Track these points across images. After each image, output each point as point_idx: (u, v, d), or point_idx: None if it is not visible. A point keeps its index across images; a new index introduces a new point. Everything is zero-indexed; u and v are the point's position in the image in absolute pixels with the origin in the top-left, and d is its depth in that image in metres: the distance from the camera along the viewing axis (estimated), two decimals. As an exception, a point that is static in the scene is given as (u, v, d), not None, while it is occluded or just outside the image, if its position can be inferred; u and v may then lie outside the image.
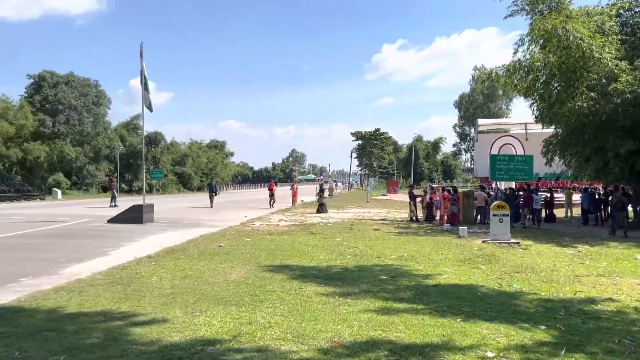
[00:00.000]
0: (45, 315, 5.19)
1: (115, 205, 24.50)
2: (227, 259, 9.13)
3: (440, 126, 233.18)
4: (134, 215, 16.75)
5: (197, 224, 17.33)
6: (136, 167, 56.69)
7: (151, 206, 17.86)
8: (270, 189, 27.69)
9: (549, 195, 20.82)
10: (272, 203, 26.44)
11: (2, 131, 43.62)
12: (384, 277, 7.59)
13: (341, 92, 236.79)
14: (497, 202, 14.36)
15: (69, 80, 54.16)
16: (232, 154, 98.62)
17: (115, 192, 26.32)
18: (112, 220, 16.88)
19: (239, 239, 12.57)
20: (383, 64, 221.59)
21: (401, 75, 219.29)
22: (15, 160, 45.08)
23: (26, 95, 53.32)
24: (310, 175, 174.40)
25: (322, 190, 23.38)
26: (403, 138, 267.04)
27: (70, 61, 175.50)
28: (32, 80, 53.68)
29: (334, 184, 41.43)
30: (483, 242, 12.31)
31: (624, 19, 18.53)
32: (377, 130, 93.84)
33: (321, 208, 22.69)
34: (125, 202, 23.69)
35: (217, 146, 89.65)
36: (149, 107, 17.93)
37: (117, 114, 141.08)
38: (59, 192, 43.58)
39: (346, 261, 9.18)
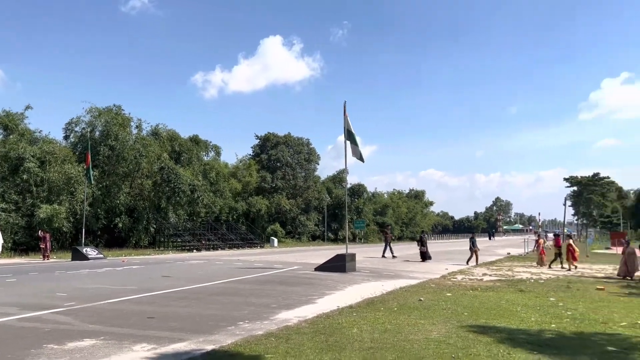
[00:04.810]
0: (255, 360, 5.61)
1: (392, 256, 26.84)
2: (427, 315, 8.81)
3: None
4: (338, 264, 17.51)
5: (397, 275, 17.31)
6: (341, 217, 60.00)
7: (353, 255, 18.48)
8: (558, 246, 22.15)
9: None
10: (563, 263, 21.28)
11: (233, 188, 50.68)
12: (612, 349, 6.43)
13: (552, 135, 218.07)
14: None
15: (287, 140, 61.02)
16: (431, 204, 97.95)
17: (388, 242, 28.76)
18: (318, 269, 17.92)
19: (439, 293, 12.12)
20: (603, 101, 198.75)
21: (626, 112, 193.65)
22: (241, 212, 51.66)
23: (253, 154, 61.61)
24: (517, 225, 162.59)
25: (421, 240, 25.00)
26: (630, 183, 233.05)
27: (288, 123, 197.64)
28: (258, 141, 61.98)
29: (545, 235, 37.85)
30: None
31: None
32: (595, 174, 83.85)
33: (423, 256, 24.40)
34: (331, 251, 25.07)
35: (416, 196, 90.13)
36: (361, 159, 18.88)
37: (326, 168, 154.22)
38: (276, 240, 48.32)
39: (563, 325, 8.08)
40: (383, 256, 26.95)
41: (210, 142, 51.39)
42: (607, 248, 44.21)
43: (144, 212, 38.57)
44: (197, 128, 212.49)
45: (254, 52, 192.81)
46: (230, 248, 40.08)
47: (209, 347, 6.21)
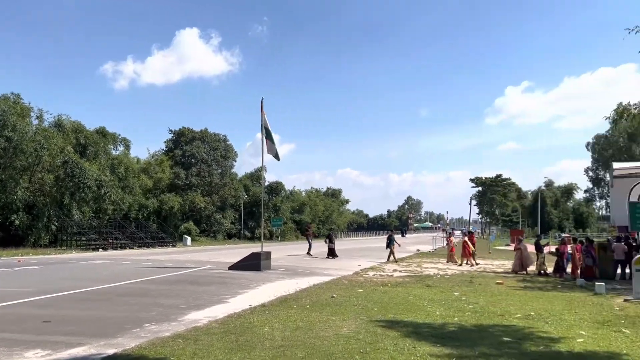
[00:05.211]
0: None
1: (307, 253, 27.45)
2: (339, 311, 8.95)
3: (570, 171, 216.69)
4: (253, 263, 17.35)
5: (312, 272, 17.46)
6: (258, 215, 59.47)
7: (268, 254, 18.40)
8: (473, 242, 22.77)
9: None
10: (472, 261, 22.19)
11: (143, 184, 48.56)
12: (507, 339, 6.89)
13: (461, 137, 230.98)
14: (641, 255, 12.66)
15: (203, 136, 59.36)
16: (347, 202, 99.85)
17: (310, 240, 29.73)
18: (233, 267, 17.64)
19: (351, 289, 12.38)
20: (506, 107, 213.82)
21: (526, 118, 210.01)
22: (153, 210, 49.63)
23: (166, 149, 59.27)
24: (427, 223, 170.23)
25: (330, 237, 26.63)
26: (528, 184, 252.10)
27: (205, 118, 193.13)
28: (172, 136, 59.68)
29: (451, 232, 39.87)
30: (625, 300, 10.85)
31: None
32: (498, 176, 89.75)
33: (331, 253, 25.54)
34: (247, 249, 24.79)
35: (333, 194, 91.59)
36: (276, 157, 18.69)
37: (244, 165, 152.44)
38: (189, 239, 46.92)
39: (465, 318, 8.54)
40: (309, 254, 27.24)
41: (119, 135, 48.80)
42: (507, 245, 47.36)
43: (45, 209, 35.92)
44: (106, 120, 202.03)
45: (169, 44, 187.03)
46: (139, 247, 38.38)
47: (110, 351, 5.88)
